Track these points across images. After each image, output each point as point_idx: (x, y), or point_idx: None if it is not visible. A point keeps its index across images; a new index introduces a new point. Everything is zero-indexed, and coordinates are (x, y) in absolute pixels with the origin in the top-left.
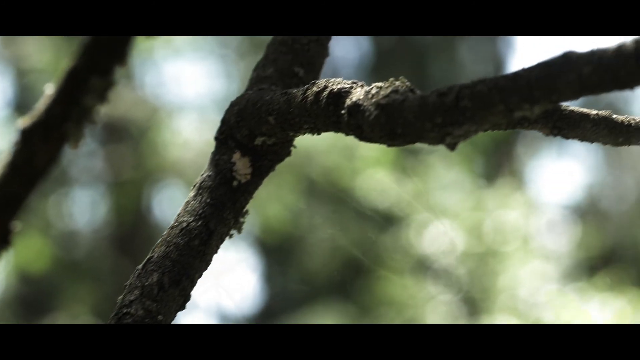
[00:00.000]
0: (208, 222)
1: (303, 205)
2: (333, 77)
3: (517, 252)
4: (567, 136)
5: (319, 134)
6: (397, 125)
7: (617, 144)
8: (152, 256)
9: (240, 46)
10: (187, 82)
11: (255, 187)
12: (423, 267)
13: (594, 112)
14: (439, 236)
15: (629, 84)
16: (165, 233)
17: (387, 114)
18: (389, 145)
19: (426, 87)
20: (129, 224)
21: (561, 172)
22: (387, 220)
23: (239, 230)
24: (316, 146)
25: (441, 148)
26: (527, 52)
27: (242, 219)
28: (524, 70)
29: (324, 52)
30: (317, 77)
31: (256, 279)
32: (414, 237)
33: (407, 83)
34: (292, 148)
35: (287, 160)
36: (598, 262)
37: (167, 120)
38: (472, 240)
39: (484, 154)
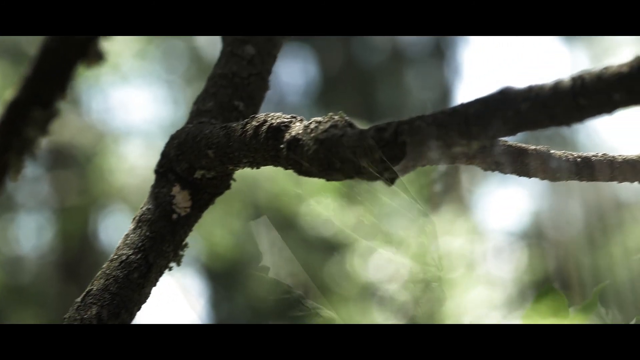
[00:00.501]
0: (147, 255)
1: (248, 232)
2: (280, 104)
3: (463, 278)
4: (505, 171)
5: (258, 167)
6: (335, 160)
7: (555, 179)
8: (92, 289)
9: (187, 72)
10: (133, 108)
11: (195, 220)
12: (368, 293)
13: (532, 147)
14: (384, 263)
15: (565, 121)
16: (104, 266)
17: (325, 149)
18: (328, 179)
19: (373, 112)
20: (75, 249)
21: (507, 199)
22: (333, 247)
23: (178, 263)
24: (262, 172)
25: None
26: (474, 78)
27: (181, 252)
28: (461, 106)
29: (264, 85)
30: (257, 111)
31: (202, 305)
32: (359, 264)
33: (346, 118)
34: (231, 181)
35: (234, 186)
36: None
37: (114, 146)
38: (417, 267)
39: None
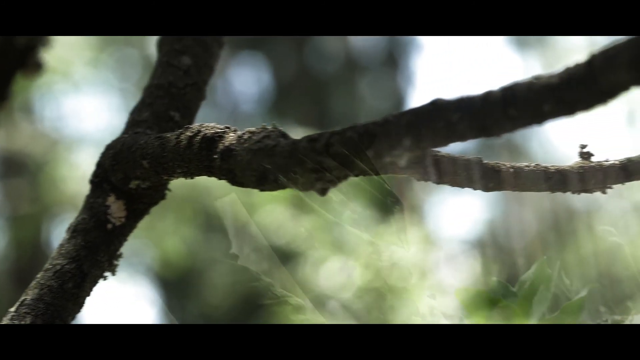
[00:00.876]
0: (82, 265)
1: (200, 240)
2: (233, 112)
3: (415, 286)
4: (438, 182)
5: (192, 178)
6: (268, 170)
7: (487, 189)
8: (25, 299)
9: (141, 80)
10: (86, 116)
11: (130, 230)
12: (320, 302)
13: (465, 157)
14: (336, 271)
15: (496, 132)
16: (39, 275)
17: (259, 159)
18: (261, 189)
19: (327, 120)
20: (27, 257)
21: (460, 207)
22: (285, 256)
23: (113, 273)
24: (213, 179)
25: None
26: (426, 87)
27: (116, 262)
28: (393, 117)
29: (200, 95)
30: (192, 121)
31: (155, 314)
32: (312, 273)
33: (280, 128)
34: (166, 191)
35: (185, 193)
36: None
37: (66, 154)
38: (369, 275)
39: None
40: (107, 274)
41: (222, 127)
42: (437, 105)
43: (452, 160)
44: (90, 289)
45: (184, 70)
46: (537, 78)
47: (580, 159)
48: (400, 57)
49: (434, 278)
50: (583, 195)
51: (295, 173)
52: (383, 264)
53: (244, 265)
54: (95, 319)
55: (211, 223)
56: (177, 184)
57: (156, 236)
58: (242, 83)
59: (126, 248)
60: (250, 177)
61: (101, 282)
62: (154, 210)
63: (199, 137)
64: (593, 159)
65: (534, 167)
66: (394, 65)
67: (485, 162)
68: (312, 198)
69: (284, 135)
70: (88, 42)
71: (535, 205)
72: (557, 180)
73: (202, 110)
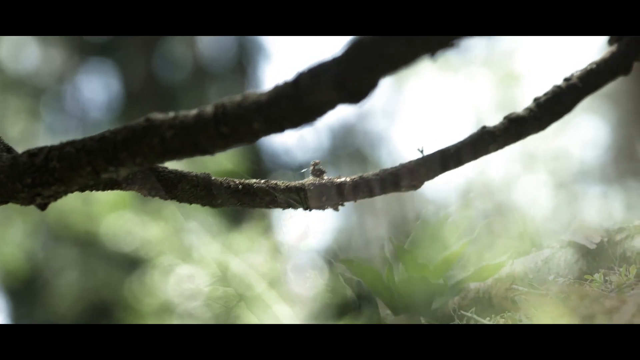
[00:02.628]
0: None
1: (42, 249)
2: (82, 120)
3: (264, 295)
4: (164, 197)
5: None
6: None
7: (215, 205)
8: None
9: None
10: None
11: None
12: (168, 310)
13: (193, 173)
14: (184, 279)
15: (209, 149)
16: None
17: None
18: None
19: None
20: None
21: (309, 216)
22: (133, 263)
23: None
24: None
25: None
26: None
27: None
28: (110, 132)
29: None
30: None
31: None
32: (160, 280)
33: (5, 142)
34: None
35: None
36: (345, 308)
37: None
38: (218, 284)
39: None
40: None
41: None
42: (151, 122)
43: (181, 175)
44: None
45: None
46: (246, 96)
47: (312, 176)
48: (248, 64)
49: (282, 287)
50: (434, 203)
51: (16, 188)
52: (231, 273)
53: (91, 272)
54: None
55: (58, 233)
56: None
57: None
58: (91, 90)
59: None
60: None
61: None
62: None
63: None
64: (325, 176)
65: (263, 183)
66: (242, 72)
67: (214, 178)
68: (161, 205)
69: (9, 149)
70: None
71: (386, 213)
72: (284, 198)
73: (50, 117)
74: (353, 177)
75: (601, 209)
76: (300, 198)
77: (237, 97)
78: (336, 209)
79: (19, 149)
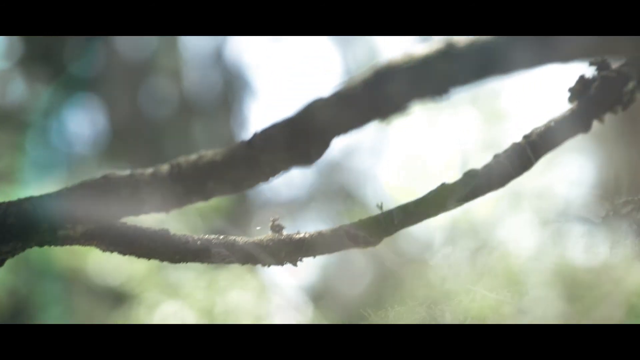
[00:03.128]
0: None
1: (24, 285)
2: (68, 154)
3: None
4: (123, 252)
5: None
6: None
7: (174, 261)
8: None
9: None
10: None
11: None
12: None
13: (152, 229)
14: (170, 315)
15: (164, 208)
16: None
17: None
18: None
19: (161, 164)
20: None
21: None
22: (118, 299)
23: None
24: None
25: None
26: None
27: None
28: (67, 190)
29: None
30: None
31: None
32: (145, 316)
33: None
34: None
35: None
36: None
37: None
38: (204, 320)
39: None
40: None
41: None
42: (108, 179)
43: (139, 231)
44: None
45: None
46: (202, 156)
47: (271, 231)
48: (233, 101)
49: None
50: (420, 241)
51: None
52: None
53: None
54: None
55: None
56: None
57: None
58: (76, 125)
59: None
60: None
61: None
62: None
63: None
64: (284, 231)
65: (222, 239)
66: (227, 109)
67: (173, 233)
68: None
69: None
70: None
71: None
72: (242, 255)
73: (35, 151)
74: (312, 232)
75: (586, 247)
76: (257, 255)
77: (193, 157)
78: (295, 265)
79: (3, 183)
